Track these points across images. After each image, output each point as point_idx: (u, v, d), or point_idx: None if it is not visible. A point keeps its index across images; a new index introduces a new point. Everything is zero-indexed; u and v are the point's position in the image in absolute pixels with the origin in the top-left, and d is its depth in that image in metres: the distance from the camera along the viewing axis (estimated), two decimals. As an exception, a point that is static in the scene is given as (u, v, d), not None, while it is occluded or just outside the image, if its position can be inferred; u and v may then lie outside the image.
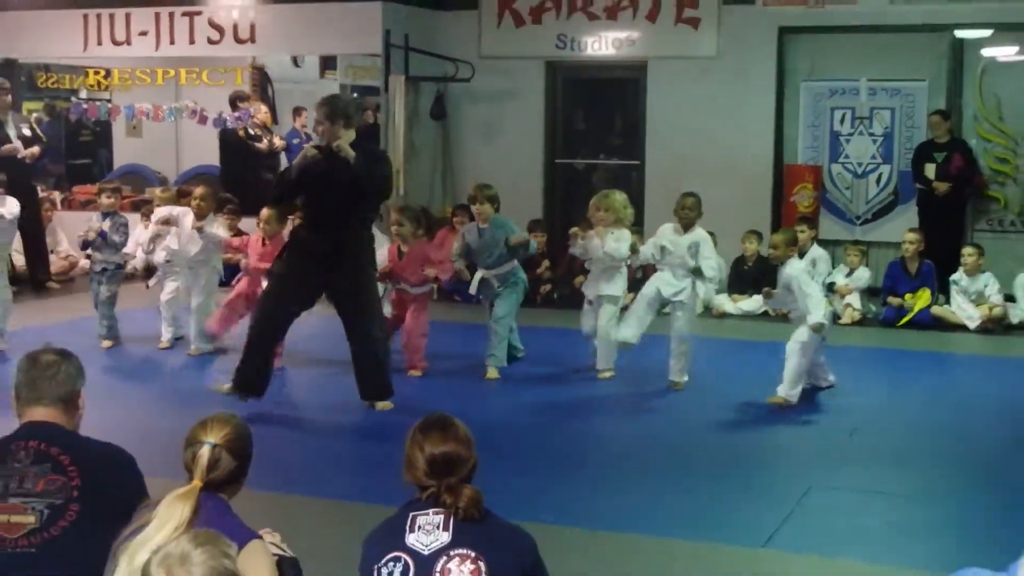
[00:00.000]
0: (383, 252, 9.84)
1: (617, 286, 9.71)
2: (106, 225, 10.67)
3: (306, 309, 8.75)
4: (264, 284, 9.60)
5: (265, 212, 10.22)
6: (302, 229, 8.81)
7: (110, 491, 4.09)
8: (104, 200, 10.93)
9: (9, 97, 13.68)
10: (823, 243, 13.20)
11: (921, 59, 13.59)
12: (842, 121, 13.83)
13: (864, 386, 9.70)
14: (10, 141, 13.28)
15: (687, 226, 9.45)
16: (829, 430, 8.30)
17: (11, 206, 10.66)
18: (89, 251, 10.96)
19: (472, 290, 10.14)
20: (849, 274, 12.69)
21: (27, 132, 13.67)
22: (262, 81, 16.60)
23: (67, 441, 4.15)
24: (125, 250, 11.07)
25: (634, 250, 9.65)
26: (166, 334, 10.82)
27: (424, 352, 9.81)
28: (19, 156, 13.19)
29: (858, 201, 13.89)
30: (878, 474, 7.31)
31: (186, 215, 10.58)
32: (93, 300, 10.81)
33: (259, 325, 8.64)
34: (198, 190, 10.94)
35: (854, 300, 12.42)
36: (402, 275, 9.82)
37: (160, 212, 11.08)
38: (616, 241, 9.52)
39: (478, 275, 9.81)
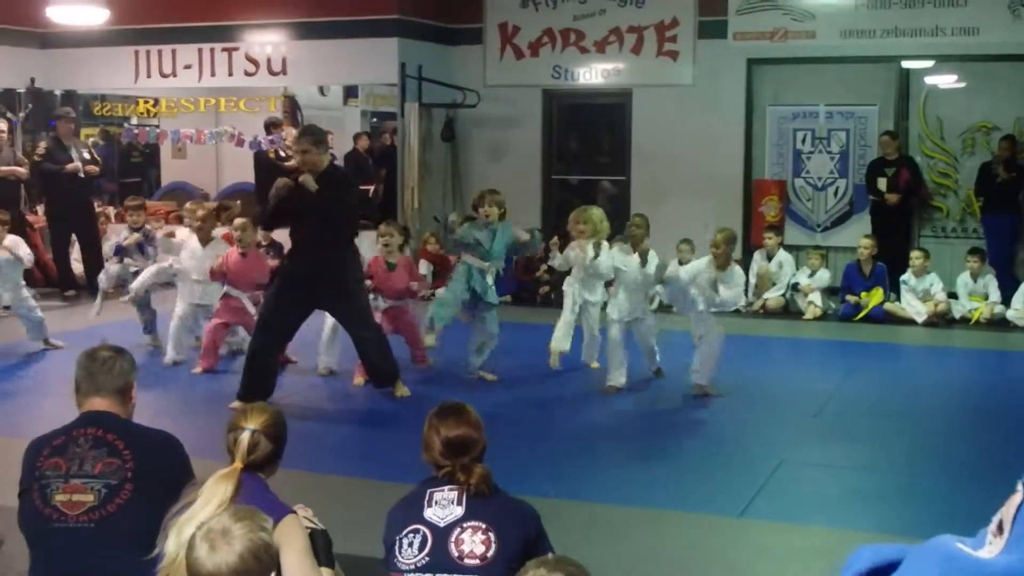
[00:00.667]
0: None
1: (599, 294, 9.39)
2: (134, 238, 10.45)
3: (303, 321, 8.40)
4: (244, 305, 9.27)
5: (238, 220, 9.66)
6: (290, 252, 8.48)
7: (160, 472, 4.07)
8: (131, 218, 10.71)
9: (73, 124, 13.66)
10: (788, 248, 13.22)
11: (872, 86, 13.57)
12: (803, 141, 13.80)
13: (825, 374, 9.67)
14: (74, 163, 13.27)
15: (635, 245, 8.94)
16: (796, 412, 8.26)
17: (23, 249, 10.28)
18: (121, 258, 10.56)
19: (488, 278, 9.11)
20: (811, 275, 12.67)
21: (87, 155, 13.66)
22: (292, 108, 16.55)
23: (122, 428, 4.13)
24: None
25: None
26: (171, 353, 9.69)
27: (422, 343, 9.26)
28: (80, 175, 13.16)
29: (818, 211, 13.86)
30: (840, 450, 7.28)
31: (191, 237, 9.96)
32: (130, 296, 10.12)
33: (257, 340, 8.28)
34: (199, 211, 10.22)
35: (816, 298, 12.39)
36: (384, 287, 9.21)
37: (166, 230, 10.71)
38: (607, 256, 9.04)
39: (489, 265, 9.11)
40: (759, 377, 9.42)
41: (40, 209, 14.37)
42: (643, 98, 14.11)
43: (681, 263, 12.58)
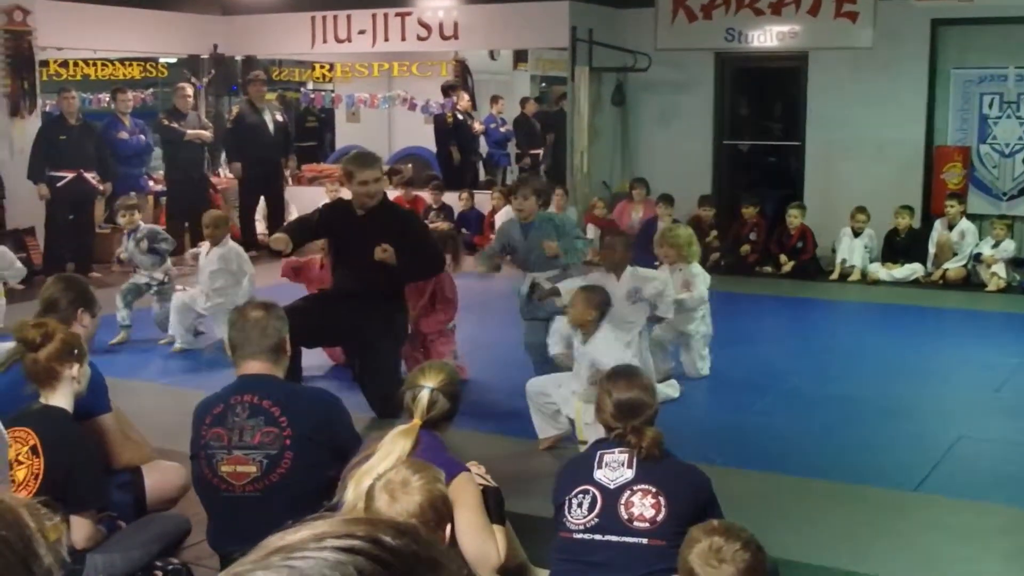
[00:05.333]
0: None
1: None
2: (130, 245, 9.27)
3: (324, 322, 6.89)
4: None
5: (208, 216, 9.07)
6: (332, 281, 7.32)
7: (318, 437, 4.17)
8: (122, 219, 9.48)
9: (264, 87, 14.10)
10: (971, 217, 12.77)
11: (1067, 47, 12.98)
12: (990, 105, 13.29)
13: (1008, 348, 9.33)
14: (267, 125, 13.71)
15: (614, 270, 7.30)
16: (976, 386, 8.01)
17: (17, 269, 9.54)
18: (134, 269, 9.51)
19: (523, 291, 7.56)
20: (995, 245, 12.23)
21: (279, 117, 14.11)
22: (463, 72, 16.76)
23: (278, 394, 4.21)
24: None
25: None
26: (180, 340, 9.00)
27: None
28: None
29: (1005, 178, 13.35)
30: (1023, 426, 7.02)
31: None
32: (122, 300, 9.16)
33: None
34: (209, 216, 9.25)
35: (999, 269, 11.98)
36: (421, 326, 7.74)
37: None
38: (686, 287, 7.89)
39: (528, 278, 7.54)
40: (937, 350, 9.19)
41: (223, 171, 14.92)
42: (819, 61, 13.81)
43: (857, 234, 12.39)
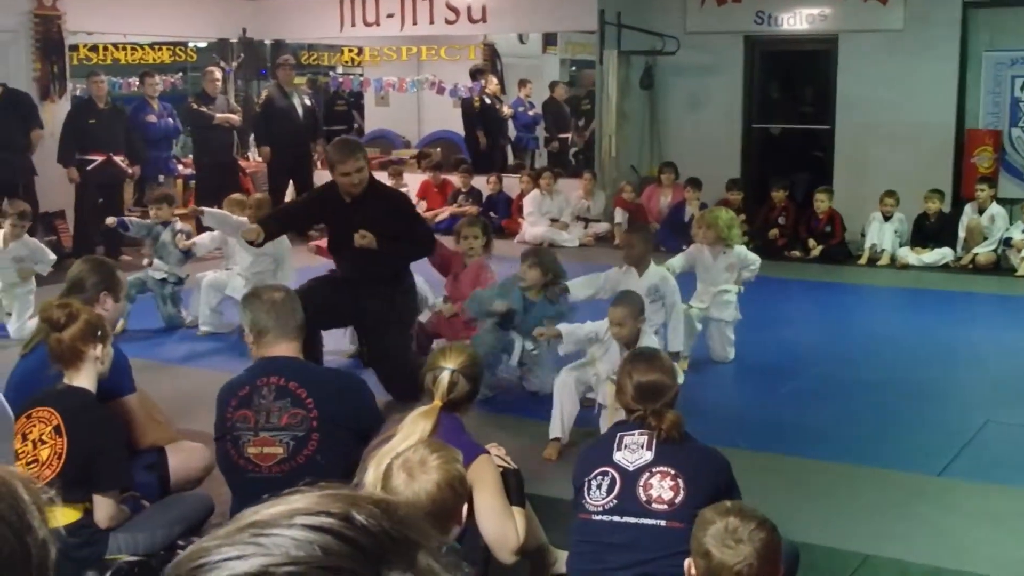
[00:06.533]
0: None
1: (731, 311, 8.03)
2: (166, 236, 9.15)
3: (335, 301, 6.81)
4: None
5: (252, 199, 9.19)
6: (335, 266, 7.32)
7: (344, 419, 4.18)
8: (155, 212, 9.40)
9: (292, 71, 14.14)
10: (1001, 201, 12.65)
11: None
12: (1023, 88, 13.17)
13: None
14: (296, 109, 13.74)
15: (635, 265, 7.22)
16: (1005, 371, 7.95)
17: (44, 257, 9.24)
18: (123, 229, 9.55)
19: (513, 362, 7.09)
20: (1026, 230, 12.16)
21: (308, 102, 14.14)
22: (492, 56, 16.74)
23: (304, 375, 4.22)
24: None
25: (564, 290, 7.06)
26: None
27: None
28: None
29: (1036, 162, 13.24)
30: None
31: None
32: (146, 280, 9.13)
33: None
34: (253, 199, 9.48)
35: (1030, 254, 11.89)
36: (452, 294, 7.68)
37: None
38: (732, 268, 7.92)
39: (519, 345, 7.00)
40: (966, 335, 9.13)
41: (252, 154, 14.96)
42: (850, 44, 13.70)
43: (887, 218, 12.30)
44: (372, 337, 7.00)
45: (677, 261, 7.98)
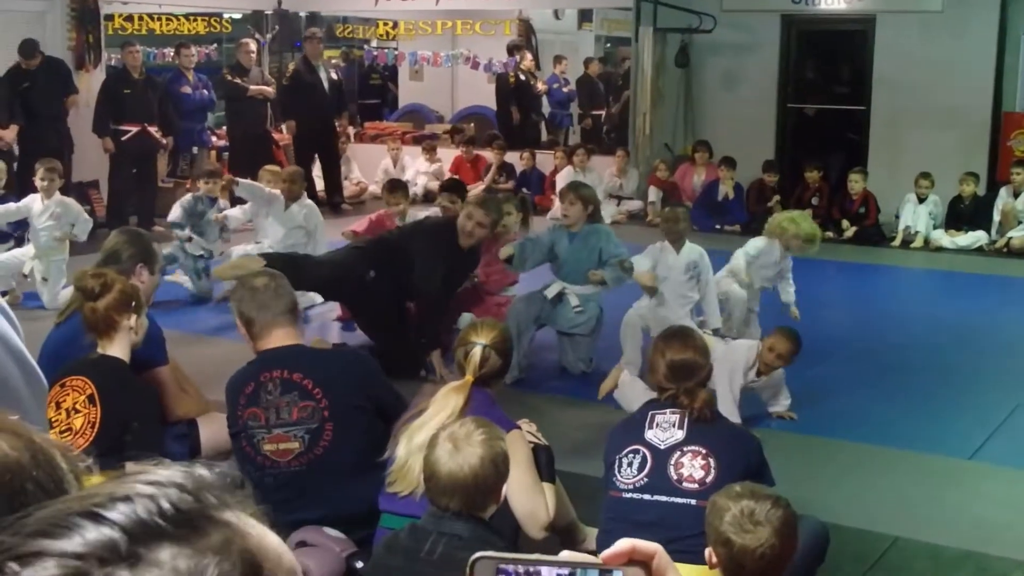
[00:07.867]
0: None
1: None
2: (212, 212, 9.26)
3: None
4: None
5: (287, 172, 9.22)
6: None
7: (357, 402, 4.11)
8: (205, 186, 9.42)
9: (320, 45, 14.14)
10: (1038, 185, 12.54)
11: None
12: (1062, 71, 13.03)
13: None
14: (322, 83, 13.73)
15: (674, 242, 7.17)
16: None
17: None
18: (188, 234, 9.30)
19: (548, 294, 7.04)
20: (1061, 214, 12.03)
21: (335, 76, 14.13)
22: (527, 32, 16.68)
23: (307, 363, 4.12)
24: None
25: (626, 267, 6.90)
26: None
27: None
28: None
29: (1074, 146, 13.10)
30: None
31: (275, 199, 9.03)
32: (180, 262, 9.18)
33: None
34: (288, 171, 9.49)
35: (1065, 238, 11.78)
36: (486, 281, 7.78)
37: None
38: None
39: (556, 285, 7.03)
40: (999, 318, 9.04)
41: (285, 127, 14.97)
42: (887, 24, 13.56)
43: (921, 200, 12.19)
44: (364, 312, 7.14)
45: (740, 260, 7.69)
